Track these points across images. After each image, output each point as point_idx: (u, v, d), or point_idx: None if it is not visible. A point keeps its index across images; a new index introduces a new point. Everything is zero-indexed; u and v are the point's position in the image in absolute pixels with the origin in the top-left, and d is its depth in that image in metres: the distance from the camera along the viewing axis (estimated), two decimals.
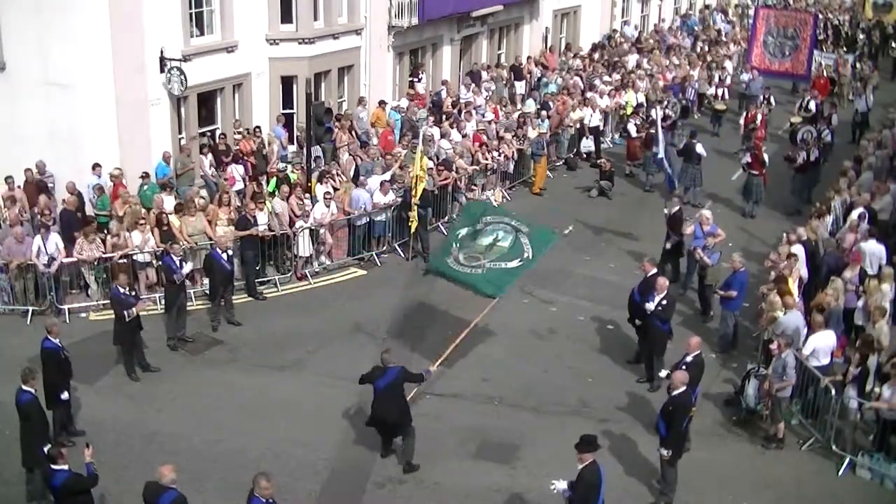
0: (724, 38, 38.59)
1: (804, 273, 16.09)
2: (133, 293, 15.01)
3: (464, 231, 15.43)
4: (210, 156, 20.41)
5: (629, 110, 27.61)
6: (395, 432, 12.68)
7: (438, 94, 26.83)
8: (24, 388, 11.52)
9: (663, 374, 14.17)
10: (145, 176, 18.96)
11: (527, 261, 14.73)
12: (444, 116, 25.07)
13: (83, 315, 16.85)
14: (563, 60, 32.52)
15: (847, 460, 12.90)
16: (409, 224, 19.18)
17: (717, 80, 31.34)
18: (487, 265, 14.63)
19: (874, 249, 16.61)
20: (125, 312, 14.34)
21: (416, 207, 18.94)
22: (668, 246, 18.51)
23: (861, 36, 41.27)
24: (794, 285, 15.31)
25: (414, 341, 16.16)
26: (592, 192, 23.87)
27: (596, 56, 33.32)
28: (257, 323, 16.79)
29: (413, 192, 18.94)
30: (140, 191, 18.92)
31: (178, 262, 15.62)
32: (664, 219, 18.68)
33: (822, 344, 13.70)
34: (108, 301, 16.83)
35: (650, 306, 14.57)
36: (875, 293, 15.15)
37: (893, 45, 40.74)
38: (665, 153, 20.46)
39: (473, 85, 27.46)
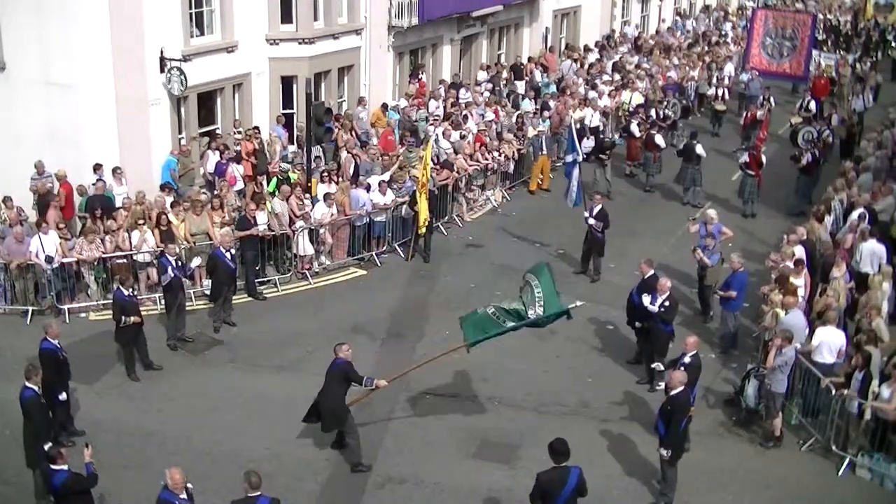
0: (723, 39, 38.56)
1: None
2: (135, 293, 14.96)
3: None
4: (217, 153, 20.38)
5: (626, 105, 27.67)
6: (331, 425, 12.57)
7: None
8: (27, 384, 11.50)
9: (660, 367, 14.12)
10: (99, 182, 18.67)
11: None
12: (444, 116, 25.06)
13: (83, 315, 16.84)
14: (562, 61, 32.51)
15: (847, 460, 12.90)
16: (420, 230, 19.19)
17: (716, 80, 31.35)
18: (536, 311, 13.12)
19: (875, 249, 16.61)
20: (122, 318, 14.35)
21: (426, 212, 19.01)
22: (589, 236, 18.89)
23: (861, 36, 41.27)
24: (801, 289, 15.28)
25: (414, 341, 16.17)
26: (598, 177, 23.68)
27: (602, 56, 33.27)
28: (257, 323, 16.78)
29: (418, 197, 18.94)
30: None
31: (173, 263, 15.59)
32: (584, 222, 18.86)
33: (829, 339, 13.65)
34: (108, 301, 16.89)
35: (652, 308, 14.55)
36: (876, 290, 15.16)
37: (894, 44, 40.75)
38: (574, 164, 19.84)
39: (462, 89, 27.24)
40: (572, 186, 19.95)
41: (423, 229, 19.15)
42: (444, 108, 25.75)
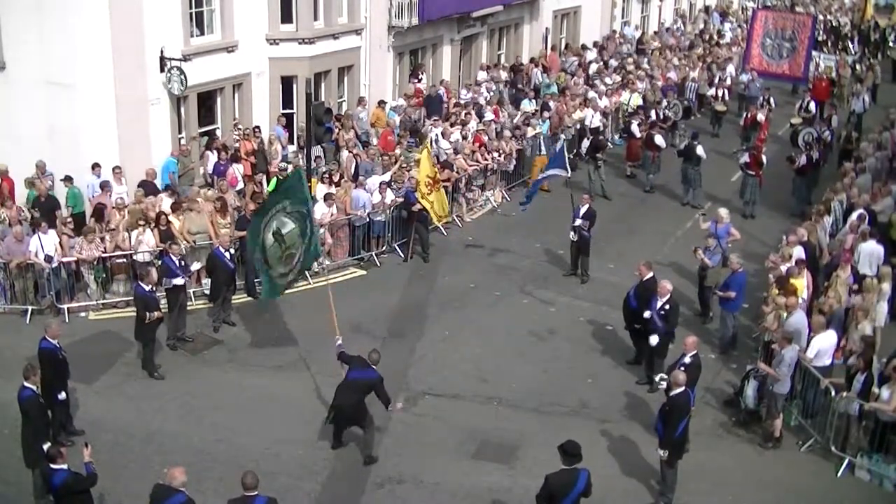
0: (722, 41, 38.53)
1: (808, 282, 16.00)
2: (154, 290, 14.95)
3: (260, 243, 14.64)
4: (216, 153, 20.37)
5: (625, 106, 27.68)
6: (351, 423, 12.69)
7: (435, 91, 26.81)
8: (26, 384, 11.49)
9: (659, 378, 14.08)
10: (67, 179, 18.61)
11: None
12: (444, 117, 25.05)
13: (83, 315, 16.84)
14: (563, 61, 32.50)
15: (846, 461, 12.92)
16: (440, 220, 19.65)
17: (717, 80, 31.35)
18: (300, 252, 14.36)
19: (873, 250, 16.62)
20: (147, 314, 14.37)
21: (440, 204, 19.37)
22: (574, 238, 18.74)
23: (858, 37, 41.30)
24: (802, 290, 15.29)
25: (413, 341, 16.17)
26: (593, 177, 23.71)
27: (604, 56, 33.28)
28: (257, 323, 16.78)
29: (422, 197, 19.08)
30: (68, 195, 18.63)
31: (177, 263, 15.60)
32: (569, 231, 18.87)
33: (826, 344, 13.69)
34: (107, 301, 16.91)
35: (650, 312, 14.51)
36: (873, 293, 15.16)
37: (893, 45, 40.76)
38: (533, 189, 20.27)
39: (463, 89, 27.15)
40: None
41: (445, 219, 19.40)
42: (447, 107, 25.75)
